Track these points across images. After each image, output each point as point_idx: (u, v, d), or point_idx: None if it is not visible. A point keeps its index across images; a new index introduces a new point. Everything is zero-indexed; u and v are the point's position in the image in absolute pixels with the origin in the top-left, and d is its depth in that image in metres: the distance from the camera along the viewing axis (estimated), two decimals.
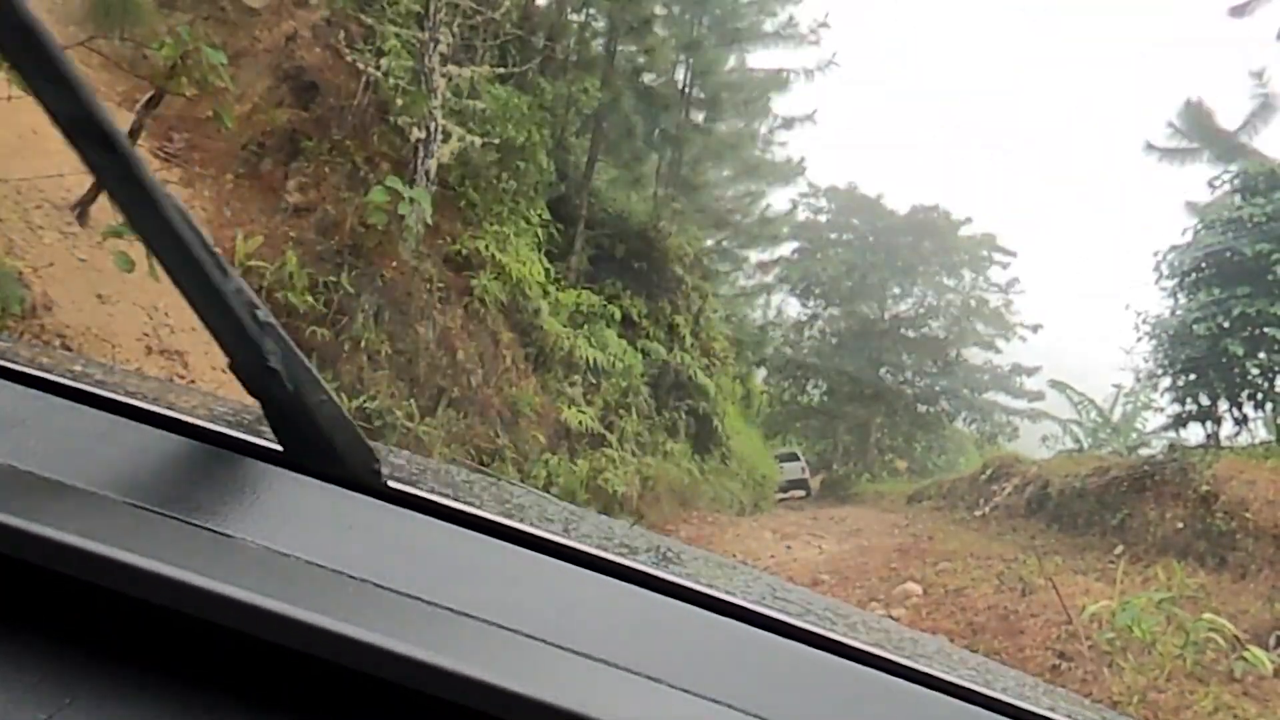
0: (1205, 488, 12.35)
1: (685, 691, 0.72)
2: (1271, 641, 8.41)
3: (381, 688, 0.62)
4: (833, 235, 36.87)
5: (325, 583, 0.75)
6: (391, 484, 0.96)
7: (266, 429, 1.10)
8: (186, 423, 0.95)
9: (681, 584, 0.94)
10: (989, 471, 20.96)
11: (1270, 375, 14.47)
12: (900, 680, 0.87)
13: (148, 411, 0.95)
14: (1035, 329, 36.48)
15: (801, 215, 36.03)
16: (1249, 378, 14.43)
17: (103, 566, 0.63)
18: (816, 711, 0.81)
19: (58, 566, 0.63)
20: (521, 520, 1.02)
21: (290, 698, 0.65)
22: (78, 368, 1.27)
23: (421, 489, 1.00)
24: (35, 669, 0.62)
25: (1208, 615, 7.53)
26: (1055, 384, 28.14)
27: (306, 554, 0.77)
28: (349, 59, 12.18)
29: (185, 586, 0.62)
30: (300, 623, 0.62)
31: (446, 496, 1.00)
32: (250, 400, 0.90)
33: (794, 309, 38.58)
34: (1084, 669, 7.25)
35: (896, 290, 36.88)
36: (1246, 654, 7.13)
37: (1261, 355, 13.97)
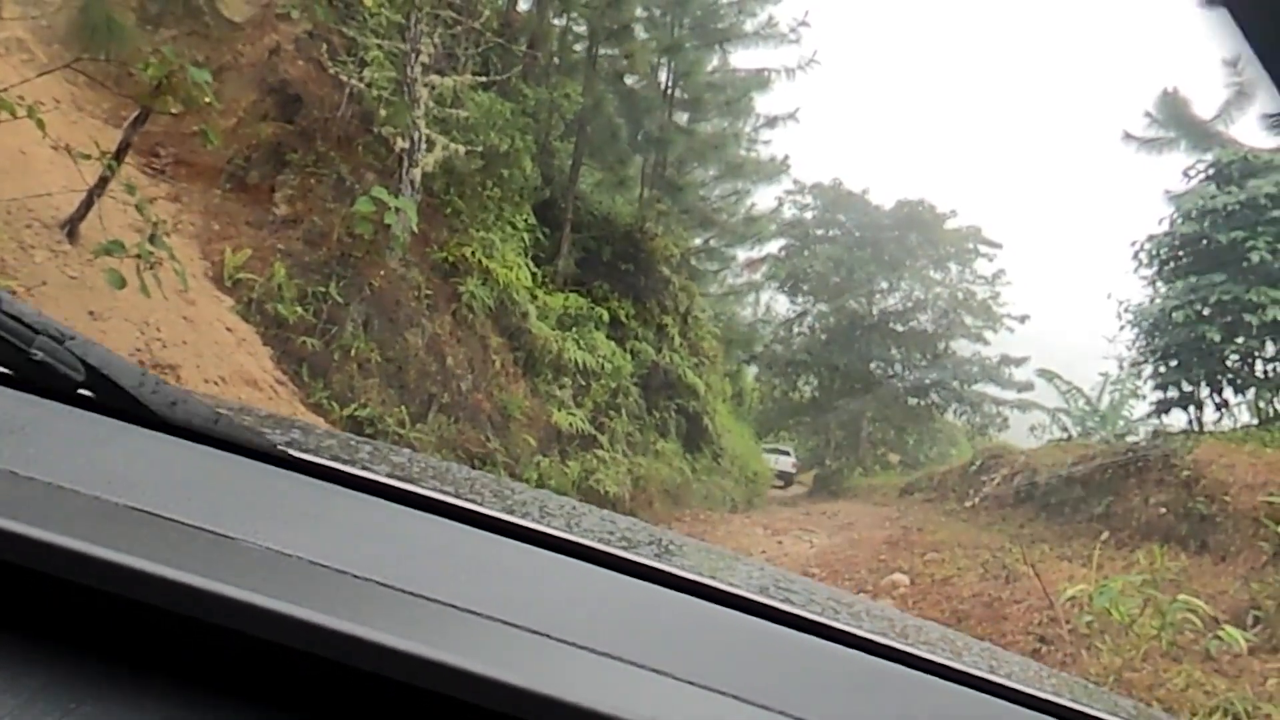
0: (1186, 472, 12.52)
1: (691, 684, 0.72)
2: (1249, 620, 8.60)
3: (388, 686, 0.62)
4: (819, 231, 37.08)
5: (330, 582, 0.74)
6: (391, 481, 0.96)
7: (269, 432, 1.14)
8: (184, 425, 0.95)
9: (685, 577, 0.95)
10: (978, 462, 21.16)
11: (1249, 360, 14.68)
12: (905, 667, 0.89)
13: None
14: (1023, 320, 36.74)
15: (788, 213, 36.27)
16: (1227, 363, 14.64)
17: (106, 571, 0.63)
18: (822, 701, 0.81)
19: (60, 572, 0.63)
20: (524, 516, 1.03)
21: (296, 698, 0.65)
22: None
23: (423, 487, 1.01)
24: (40, 674, 0.62)
25: (1183, 596, 7.71)
26: (1043, 373, 28.29)
27: (310, 554, 0.76)
28: (332, 71, 12.30)
29: (189, 589, 0.62)
30: (305, 623, 0.62)
31: (448, 494, 1.02)
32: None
33: (783, 306, 38.83)
34: (1063, 651, 7.43)
35: (884, 285, 37.07)
36: (1221, 633, 7.31)
37: (1239, 340, 14.17)
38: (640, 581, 0.92)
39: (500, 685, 0.61)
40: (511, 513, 1.01)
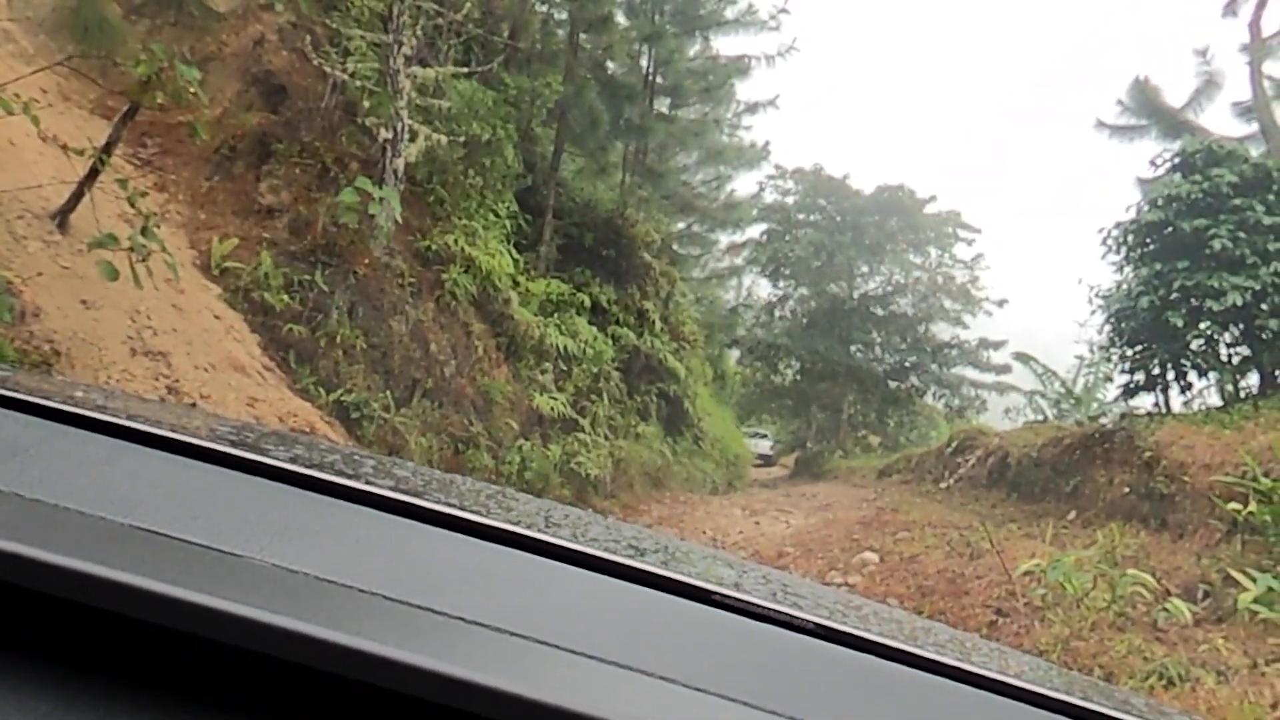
0: (1148, 454, 12.87)
1: (701, 691, 0.72)
2: (1199, 594, 9.00)
3: (397, 701, 0.62)
4: (800, 216, 37.36)
5: (336, 598, 0.74)
6: (395, 495, 0.97)
7: (273, 448, 1.17)
8: (189, 444, 0.96)
9: (693, 584, 0.95)
10: (954, 444, 21.53)
11: (1212, 344, 15.09)
12: (914, 670, 0.89)
13: (150, 434, 0.97)
14: (1001, 304, 37.20)
15: (769, 198, 36.59)
16: (1191, 347, 15.05)
17: (112, 591, 0.62)
18: (832, 705, 0.81)
19: (67, 593, 0.63)
20: (530, 527, 1.05)
21: (305, 714, 0.66)
22: (78, 394, 1.28)
23: (427, 500, 1.02)
24: (48, 697, 0.62)
25: (1133, 571, 8.10)
26: (1020, 356, 28.73)
27: (316, 570, 0.76)
28: (315, 62, 12.49)
29: (195, 607, 0.62)
30: (313, 639, 0.62)
31: (453, 507, 1.02)
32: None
33: (764, 290, 39.17)
34: (1019, 623, 7.83)
35: (865, 269, 37.43)
36: (1168, 605, 7.71)
37: (1202, 325, 14.56)
38: (648, 589, 0.92)
39: (509, 697, 0.61)
40: (517, 524, 1.02)
